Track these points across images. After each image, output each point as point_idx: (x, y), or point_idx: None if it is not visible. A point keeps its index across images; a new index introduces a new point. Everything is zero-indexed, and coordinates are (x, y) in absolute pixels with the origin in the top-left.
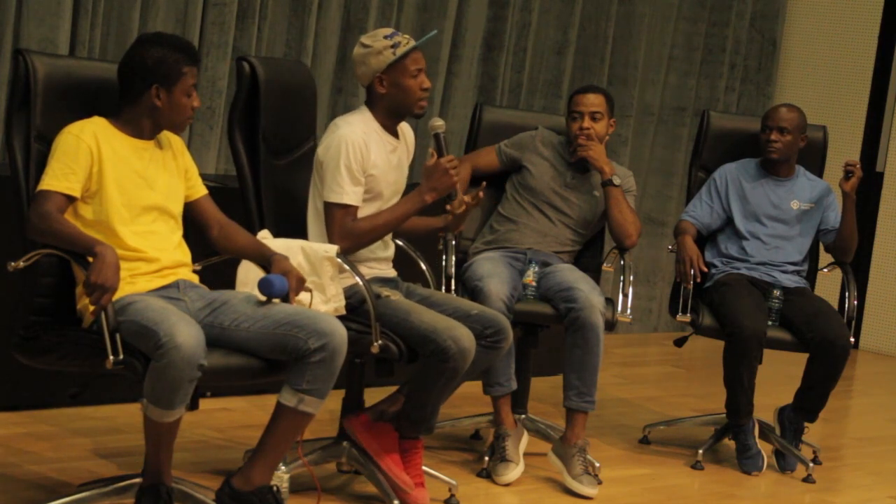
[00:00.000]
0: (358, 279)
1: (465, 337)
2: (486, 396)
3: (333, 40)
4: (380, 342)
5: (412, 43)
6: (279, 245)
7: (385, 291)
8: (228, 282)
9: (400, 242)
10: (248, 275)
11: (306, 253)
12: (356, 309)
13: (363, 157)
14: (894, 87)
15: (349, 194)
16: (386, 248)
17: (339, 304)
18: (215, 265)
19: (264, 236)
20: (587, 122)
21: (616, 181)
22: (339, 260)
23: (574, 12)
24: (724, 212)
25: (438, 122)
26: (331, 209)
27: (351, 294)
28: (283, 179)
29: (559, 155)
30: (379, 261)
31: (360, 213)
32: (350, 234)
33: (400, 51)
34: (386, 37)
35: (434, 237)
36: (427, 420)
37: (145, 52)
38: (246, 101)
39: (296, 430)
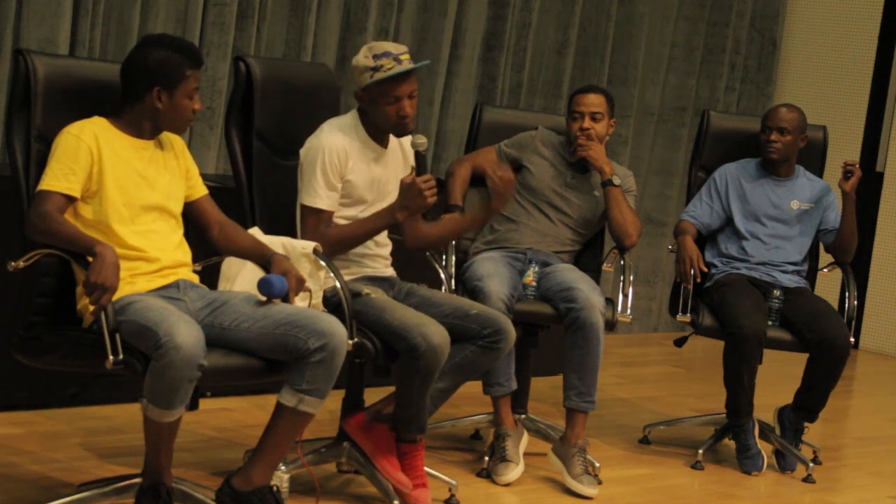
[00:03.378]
0: (333, 276)
1: (435, 334)
2: (486, 396)
3: (333, 40)
4: (354, 340)
5: (397, 69)
6: (263, 241)
7: (367, 289)
8: None
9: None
10: (231, 269)
11: (286, 249)
12: (339, 307)
13: (340, 163)
14: (894, 87)
15: (323, 199)
16: (381, 247)
17: (316, 300)
18: (215, 265)
19: (254, 233)
20: (587, 123)
21: (616, 181)
22: (315, 257)
23: (574, 12)
24: (723, 212)
25: (420, 140)
26: (304, 212)
27: (334, 293)
28: (288, 179)
29: (559, 155)
30: (373, 258)
31: (339, 217)
32: (321, 240)
33: (378, 75)
34: (375, 56)
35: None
36: (416, 419)
37: (148, 53)
38: (242, 101)
39: (296, 430)
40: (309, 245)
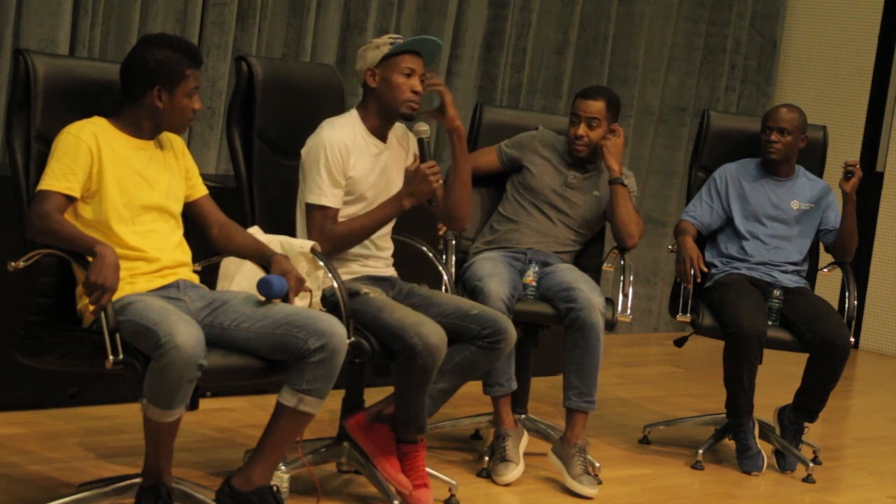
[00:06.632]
0: (330, 275)
1: (432, 333)
2: (486, 396)
3: (333, 40)
4: (351, 339)
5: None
6: (263, 240)
7: (365, 289)
8: None
9: (425, 248)
10: (229, 268)
11: (284, 248)
12: (338, 306)
13: (343, 160)
14: (894, 87)
15: (328, 196)
16: (381, 248)
17: (315, 299)
18: (215, 265)
19: (254, 232)
20: (582, 130)
21: (625, 180)
22: (313, 256)
23: (574, 12)
24: (724, 212)
25: (423, 128)
26: (310, 210)
27: (332, 292)
28: (289, 179)
29: (559, 155)
30: (374, 258)
31: (342, 215)
32: (327, 238)
33: (396, 46)
34: (391, 36)
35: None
36: (415, 419)
37: (148, 52)
38: (244, 101)
39: (296, 430)
40: (307, 244)
